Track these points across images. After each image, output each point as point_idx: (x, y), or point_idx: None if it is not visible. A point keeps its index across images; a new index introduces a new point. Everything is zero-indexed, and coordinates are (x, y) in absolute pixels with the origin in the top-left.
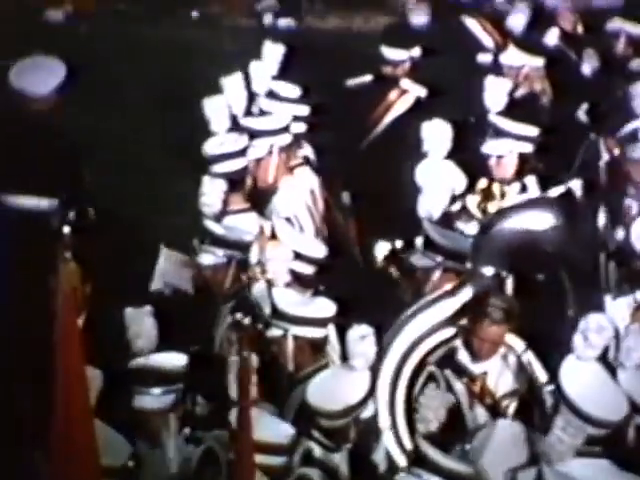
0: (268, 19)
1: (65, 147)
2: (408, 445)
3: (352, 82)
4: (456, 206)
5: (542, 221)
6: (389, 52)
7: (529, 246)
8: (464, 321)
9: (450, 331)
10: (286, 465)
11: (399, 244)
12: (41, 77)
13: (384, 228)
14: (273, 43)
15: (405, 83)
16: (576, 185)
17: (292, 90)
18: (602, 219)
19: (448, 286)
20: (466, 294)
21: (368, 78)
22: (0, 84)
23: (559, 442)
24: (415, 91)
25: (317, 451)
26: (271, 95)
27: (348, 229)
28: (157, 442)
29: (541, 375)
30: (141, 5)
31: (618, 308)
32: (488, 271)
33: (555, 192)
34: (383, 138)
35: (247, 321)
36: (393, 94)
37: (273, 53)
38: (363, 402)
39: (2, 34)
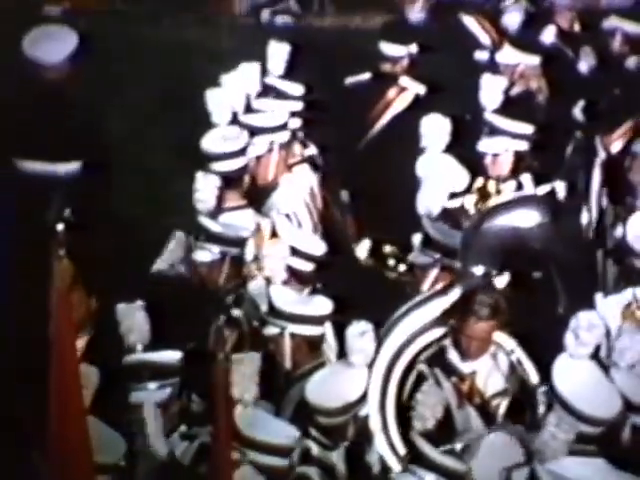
0: (265, 17)
1: (79, 113)
2: (400, 447)
3: (351, 80)
4: (455, 203)
5: (529, 219)
6: (388, 48)
7: (517, 244)
8: (453, 320)
9: (440, 330)
10: (288, 466)
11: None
12: (53, 46)
13: (383, 226)
14: (278, 42)
15: (404, 80)
16: (560, 185)
17: (289, 87)
18: (586, 217)
19: (440, 285)
20: (456, 293)
21: (367, 76)
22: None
23: (552, 438)
24: (414, 88)
25: (315, 449)
26: (265, 93)
27: (346, 227)
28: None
29: (532, 374)
30: (141, 4)
31: (609, 306)
32: (478, 270)
33: (541, 190)
34: (382, 136)
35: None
36: (392, 92)
37: (278, 52)
38: (362, 399)
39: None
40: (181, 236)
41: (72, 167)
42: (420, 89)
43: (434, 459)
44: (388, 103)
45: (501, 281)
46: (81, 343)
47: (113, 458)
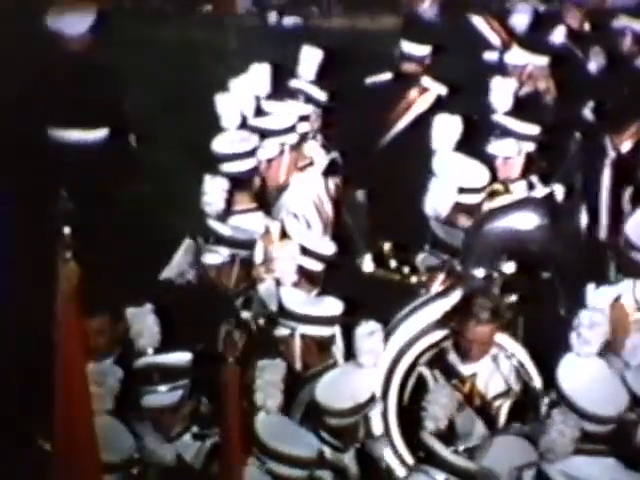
0: (272, 18)
1: (103, 81)
2: (404, 452)
3: (371, 80)
4: (470, 200)
5: (528, 221)
6: (410, 47)
7: (517, 246)
8: (453, 322)
9: (441, 333)
10: (307, 477)
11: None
12: (74, 19)
13: (400, 228)
14: (311, 47)
15: (426, 81)
16: (559, 187)
17: (317, 92)
18: (584, 219)
19: (439, 287)
20: (456, 295)
21: (387, 76)
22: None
23: (560, 436)
24: (436, 89)
25: (327, 452)
26: (276, 95)
27: (356, 230)
28: (168, 439)
29: (534, 375)
30: (147, 4)
31: (599, 298)
32: (479, 272)
33: (540, 192)
34: (402, 137)
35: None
36: (413, 92)
37: (311, 57)
38: (372, 400)
39: (2, 33)
40: (190, 243)
41: (99, 134)
42: (441, 90)
43: (446, 459)
44: (409, 104)
45: (508, 268)
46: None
47: (121, 456)
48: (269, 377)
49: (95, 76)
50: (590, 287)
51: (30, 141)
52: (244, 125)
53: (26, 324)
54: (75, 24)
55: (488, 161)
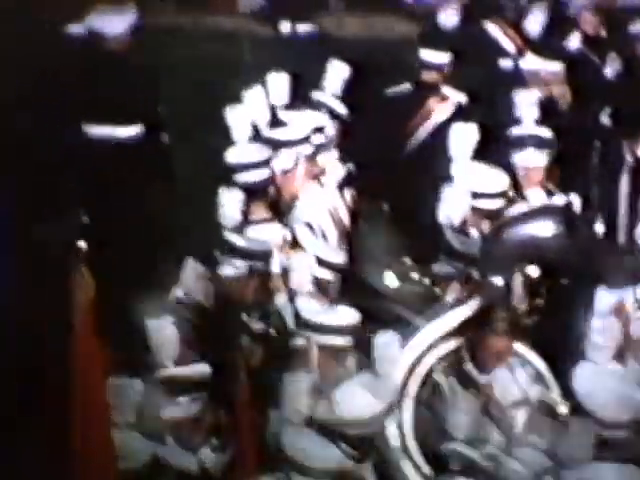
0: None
1: (139, 80)
2: (420, 462)
3: (391, 90)
4: (489, 206)
5: (546, 229)
6: (429, 55)
7: (535, 254)
8: (470, 333)
9: (458, 341)
10: None
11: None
12: (114, 19)
13: (418, 239)
14: (339, 62)
15: (446, 90)
16: (576, 195)
17: (339, 106)
18: (601, 228)
19: (457, 296)
20: (474, 305)
21: (407, 85)
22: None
23: (579, 442)
24: (455, 98)
25: (346, 463)
26: (291, 106)
27: (379, 240)
28: (188, 449)
29: (551, 383)
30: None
31: (605, 303)
32: (497, 280)
33: (559, 200)
34: (422, 147)
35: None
36: (433, 101)
37: (338, 72)
38: (389, 409)
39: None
40: (192, 265)
41: (133, 131)
42: (461, 98)
43: (482, 466)
44: (429, 113)
45: (534, 271)
46: None
47: (138, 465)
48: (294, 390)
49: (130, 75)
50: (598, 292)
51: (32, 141)
52: (258, 136)
53: (26, 324)
54: (114, 24)
55: (507, 169)
